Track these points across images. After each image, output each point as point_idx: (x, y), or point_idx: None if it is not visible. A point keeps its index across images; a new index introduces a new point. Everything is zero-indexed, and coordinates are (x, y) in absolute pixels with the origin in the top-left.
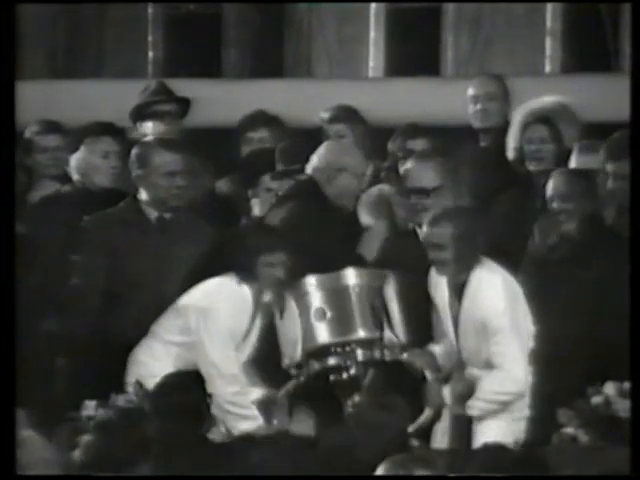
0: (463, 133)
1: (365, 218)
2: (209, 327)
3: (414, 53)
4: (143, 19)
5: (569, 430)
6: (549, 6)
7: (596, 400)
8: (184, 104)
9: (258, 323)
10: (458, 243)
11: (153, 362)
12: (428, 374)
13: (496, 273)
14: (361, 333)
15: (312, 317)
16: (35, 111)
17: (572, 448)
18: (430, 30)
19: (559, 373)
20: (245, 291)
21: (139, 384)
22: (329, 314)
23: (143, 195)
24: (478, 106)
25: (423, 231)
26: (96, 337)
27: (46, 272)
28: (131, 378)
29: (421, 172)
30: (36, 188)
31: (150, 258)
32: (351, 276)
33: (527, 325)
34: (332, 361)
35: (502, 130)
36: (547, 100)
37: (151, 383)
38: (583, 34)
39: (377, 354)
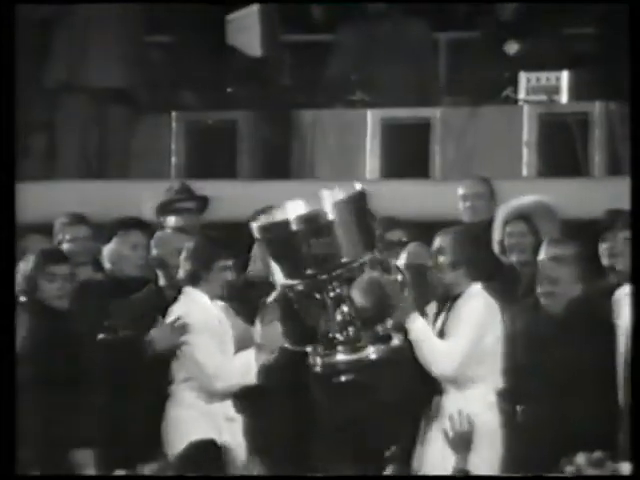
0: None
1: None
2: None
3: (406, 160)
4: (167, 130)
5: None
6: (525, 122)
7: (569, 469)
8: (203, 201)
9: None
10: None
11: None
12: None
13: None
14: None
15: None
16: (67, 207)
17: None
18: (420, 140)
19: (533, 442)
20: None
21: None
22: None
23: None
24: (467, 204)
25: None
26: None
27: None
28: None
29: None
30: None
31: None
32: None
33: (490, 344)
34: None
35: (488, 224)
36: (526, 199)
37: None
38: (555, 145)
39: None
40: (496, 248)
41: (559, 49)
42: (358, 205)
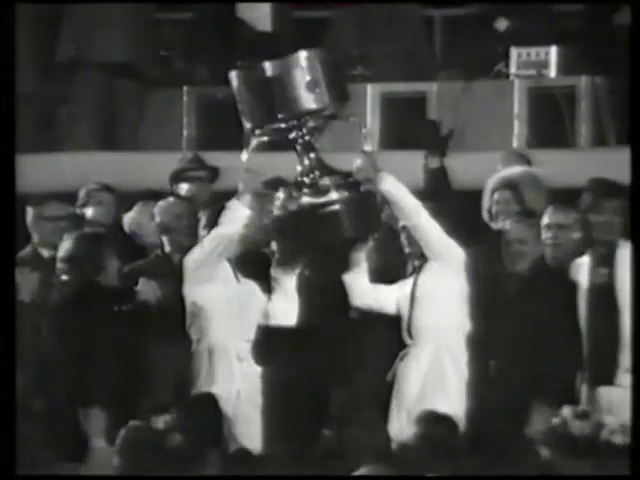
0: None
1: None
2: None
3: (403, 132)
4: (179, 104)
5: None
6: (516, 95)
7: (555, 421)
8: (214, 172)
9: None
10: None
11: None
12: None
13: None
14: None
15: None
16: (84, 177)
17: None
18: (417, 113)
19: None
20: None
21: None
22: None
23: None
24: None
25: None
26: None
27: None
28: None
29: None
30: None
31: None
32: None
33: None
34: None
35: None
36: (514, 169)
37: None
38: (544, 118)
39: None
40: (485, 215)
41: (548, 26)
42: (329, 58)
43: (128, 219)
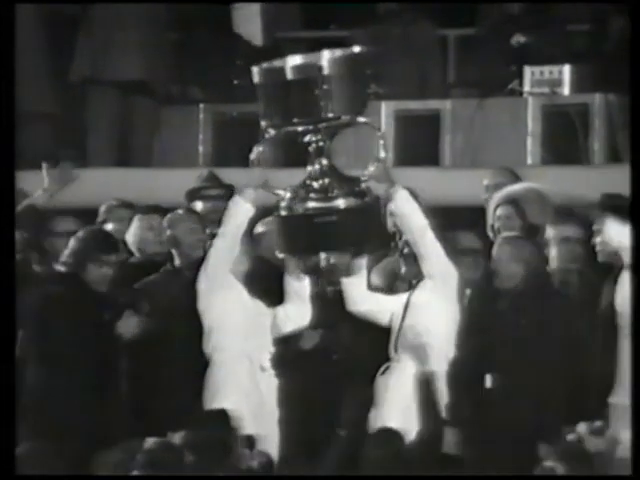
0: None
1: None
2: None
3: (418, 148)
4: (195, 122)
5: (549, 463)
6: (530, 113)
7: (570, 438)
8: (230, 190)
9: None
10: None
11: None
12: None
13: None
14: None
15: None
16: (99, 193)
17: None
18: (431, 130)
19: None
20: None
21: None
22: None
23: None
24: (488, 194)
25: None
26: None
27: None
28: None
29: None
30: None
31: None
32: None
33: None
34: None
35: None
36: (517, 186)
37: None
38: (558, 135)
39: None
40: (489, 232)
41: (562, 44)
42: (354, 64)
43: (130, 236)
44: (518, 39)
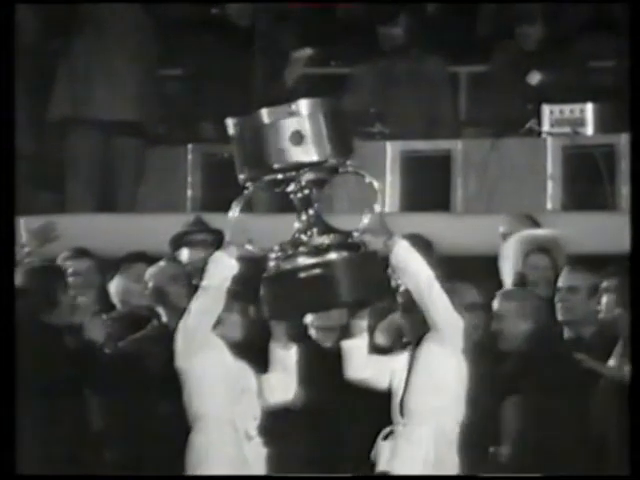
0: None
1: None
2: None
3: (427, 193)
4: (183, 163)
5: None
6: (549, 154)
7: None
8: (218, 235)
9: None
10: None
11: None
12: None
13: None
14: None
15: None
16: (77, 242)
17: None
18: (441, 173)
19: None
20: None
21: None
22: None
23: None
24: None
25: None
26: None
27: None
28: None
29: None
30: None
31: None
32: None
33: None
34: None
35: None
36: (544, 231)
37: None
38: (581, 178)
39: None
40: (510, 280)
41: (583, 81)
42: (334, 109)
43: (114, 287)
44: (535, 76)
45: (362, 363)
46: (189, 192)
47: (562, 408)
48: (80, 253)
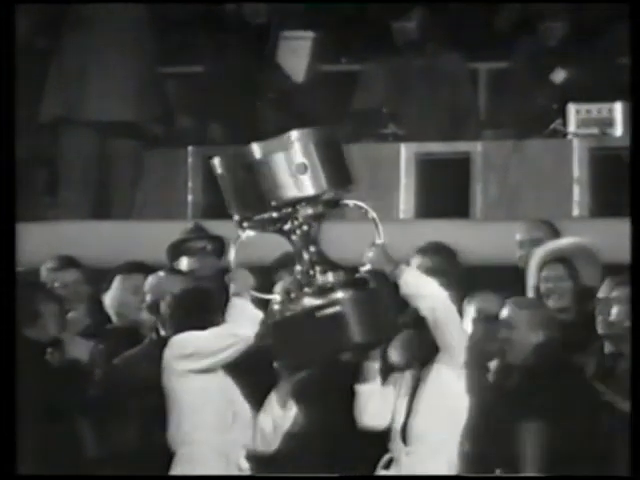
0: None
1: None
2: None
3: (444, 198)
4: (183, 166)
5: None
6: (575, 157)
7: None
8: (218, 242)
9: None
10: None
11: None
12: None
13: None
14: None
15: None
16: (74, 249)
17: None
18: (459, 177)
19: None
20: None
21: None
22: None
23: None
24: (523, 251)
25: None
26: None
27: None
28: None
29: None
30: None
31: None
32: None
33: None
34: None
35: None
36: (564, 241)
37: None
38: (609, 182)
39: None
40: (530, 294)
41: (611, 78)
42: (327, 138)
43: (109, 299)
44: (559, 73)
45: (378, 410)
46: (190, 197)
47: (567, 425)
48: (67, 263)
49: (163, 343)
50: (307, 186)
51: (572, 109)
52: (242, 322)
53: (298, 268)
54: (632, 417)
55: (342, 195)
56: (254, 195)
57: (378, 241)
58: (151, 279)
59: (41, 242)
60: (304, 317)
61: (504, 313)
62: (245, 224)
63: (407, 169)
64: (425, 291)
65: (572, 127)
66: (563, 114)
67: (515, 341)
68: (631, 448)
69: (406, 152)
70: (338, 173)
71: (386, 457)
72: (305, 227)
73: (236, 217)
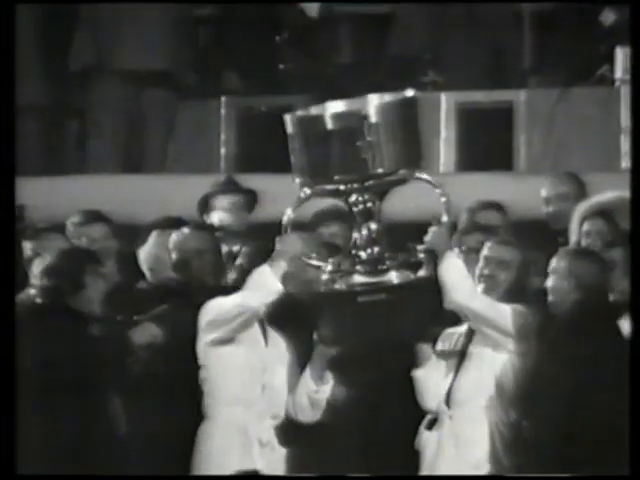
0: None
1: None
2: None
3: (485, 151)
4: (216, 118)
5: None
6: (622, 105)
7: None
8: (250, 196)
9: None
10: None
11: None
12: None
13: None
14: None
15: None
16: (105, 204)
17: None
18: (502, 127)
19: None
20: None
21: None
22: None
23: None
24: (550, 208)
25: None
26: None
27: None
28: None
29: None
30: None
31: None
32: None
33: None
34: None
35: None
36: (607, 195)
37: None
38: None
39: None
40: None
41: None
42: (407, 112)
43: (144, 254)
44: (608, 15)
45: (439, 390)
46: (223, 150)
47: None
48: (94, 217)
49: (188, 304)
50: (378, 163)
51: (620, 54)
52: (255, 292)
53: (355, 241)
54: (632, 417)
55: (412, 173)
56: (323, 165)
57: (444, 218)
58: (175, 236)
59: (70, 196)
60: (351, 296)
61: (552, 263)
62: (307, 190)
63: (447, 120)
64: (450, 282)
65: (620, 73)
66: (611, 59)
67: (556, 289)
68: (631, 448)
69: (446, 102)
70: (412, 151)
71: (429, 417)
72: (369, 204)
73: (297, 180)
